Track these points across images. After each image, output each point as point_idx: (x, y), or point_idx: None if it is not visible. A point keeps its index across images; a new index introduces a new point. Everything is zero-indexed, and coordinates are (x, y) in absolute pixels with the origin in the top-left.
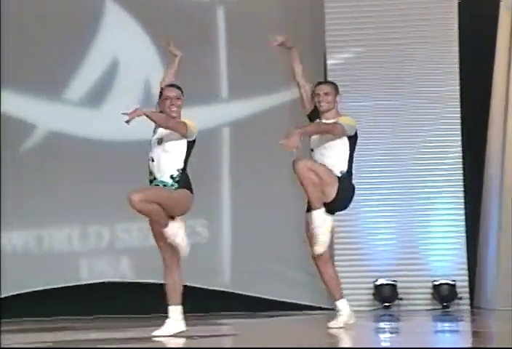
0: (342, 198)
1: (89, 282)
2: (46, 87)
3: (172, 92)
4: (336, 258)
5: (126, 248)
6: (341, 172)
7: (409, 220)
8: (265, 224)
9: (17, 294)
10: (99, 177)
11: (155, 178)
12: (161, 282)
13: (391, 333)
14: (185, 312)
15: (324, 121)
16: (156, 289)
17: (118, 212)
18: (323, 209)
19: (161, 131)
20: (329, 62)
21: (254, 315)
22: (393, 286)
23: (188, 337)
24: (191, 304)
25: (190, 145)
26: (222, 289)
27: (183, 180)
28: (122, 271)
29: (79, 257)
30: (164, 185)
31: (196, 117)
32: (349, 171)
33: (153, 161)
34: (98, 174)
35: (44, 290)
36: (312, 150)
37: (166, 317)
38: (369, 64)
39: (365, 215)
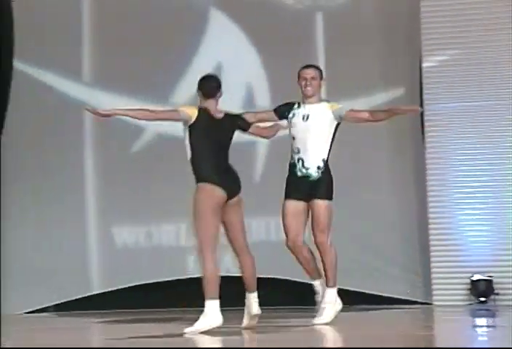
0: (329, 188)
1: (196, 276)
2: (154, 92)
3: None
4: (432, 254)
5: (228, 243)
6: (323, 160)
7: (505, 215)
8: (361, 218)
9: (128, 287)
10: None
11: None
12: (264, 276)
13: (488, 327)
14: (288, 304)
15: (307, 105)
16: (259, 283)
17: None
18: (336, 288)
19: None
20: (424, 65)
21: (350, 309)
22: (489, 282)
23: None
24: (293, 297)
25: (192, 130)
26: None
27: (196, 171)
28: (226, 265)
29: (186, 251)
30: None
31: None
32: (327, 159)
33: None
34: None
35: (153, 283)
36: (294, 138)
37: (270, 309)
38: (465, 66)
39: (460, 212)
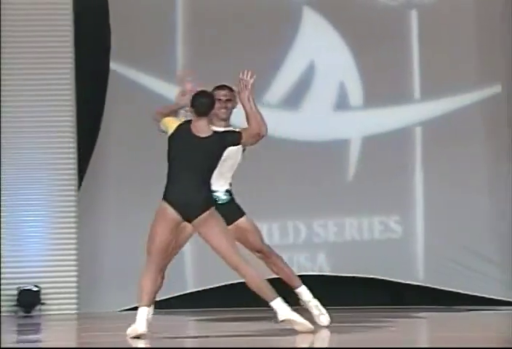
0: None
1: None
2: None
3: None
4: None
5: (322, 242)
6: (230, 184)
7: None
8: (458, 219)
9: (222, 286)
10: (296, 175)
11: None
12: (363, 276)
13: None
14: (383, 304)
15: (214, 128)
16: (353, 282)
17: (315, 208)
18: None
19: None
20: None
21: (448, 309)
22: None
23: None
24: (389, 297)
25: (170, 143)
26: (416, 283)
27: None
28: (319, 265)
29: (279, 250)
30: None
31: (390, 117)
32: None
33: None
34: (295, 173)
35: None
36: None
37: (357, 309)
38: None
39: None
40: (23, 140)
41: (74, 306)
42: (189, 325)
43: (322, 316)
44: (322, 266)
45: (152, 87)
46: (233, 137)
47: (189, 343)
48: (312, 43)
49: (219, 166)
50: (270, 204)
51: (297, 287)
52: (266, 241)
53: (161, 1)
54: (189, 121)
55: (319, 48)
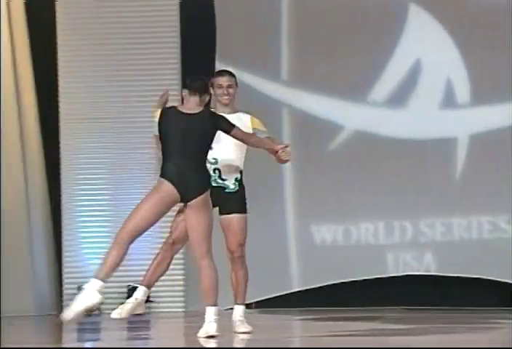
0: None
1: (395, 275)
2: (351, 91)
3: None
4: None
5: (429, 242)
6: (241, 172)
7: None
8: None
9: (326, 285)
10: (402, 174)
11: None
12: (469, 276)
13: None
14: (491, 305)
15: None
16: (458, 283)
17: (421, 208)
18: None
19: None
20: None
21: None
22: None
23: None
24: (497, 298)
25: (160, 126)
26: None
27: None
28: (426, 264)
29: (385, 250)
30: None
31: (498, 114)
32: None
33: None
34: (401, 172)
35: (351, 281)
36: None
37: (464, 310)
38: None
39: None
40: (132, 140)
41: (182, 304)
42: (295, 324)
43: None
44: (429, 265)
45: (257, 87)
46: (226, 125)
47: (296, 343)
48: (418, 40)
49: (227, 153)
50: (375, 204)
51: (238, 303)
52: (371, 240)
53: (266, 2)
54: (173, 106)
55: (426, 45)
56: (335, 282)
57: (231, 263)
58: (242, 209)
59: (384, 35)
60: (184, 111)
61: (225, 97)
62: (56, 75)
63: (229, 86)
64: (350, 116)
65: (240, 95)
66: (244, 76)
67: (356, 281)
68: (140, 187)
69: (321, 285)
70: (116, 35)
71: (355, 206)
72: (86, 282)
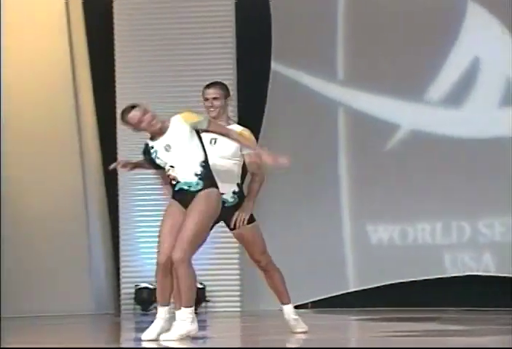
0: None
1: (456, 274)
2: (408, 90)
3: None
4: None
5: (488, 242)
6: (238, 185)
7: None
8: None
9: (383, 285)
10: (458, 173)
11: None
12: None
13: None
14: None
15: None
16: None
17: (479, 207)
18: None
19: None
20: None
21: None
22: None
23: None
24: None
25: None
26: None
27: (210, 175)
28: (484, 264)
29: (442, 250)
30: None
31: None
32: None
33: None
34: (457, 171)
35: (408, 281)
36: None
37: None
38: None
39: None
40: None
41: (238, 304)
42: (351, 325)
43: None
44: (488, 266)
45: (313, 87)
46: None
47: (353, 343)
48: (476, 38)
49: (220, 166)
50: (432, 203)
51: (285, 303)
52: (428, 240)
53: (323, 2)
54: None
55: (484, 44)
56: (392, 282)
57: (262, 271)
58: (248, 219)
59: (441, 33)
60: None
61: (211, 109)
62: (113, 75)
63: (215, 99)
64: (406, 116)
65: (296, 95)
66: (300, 76)
67: (413, 281)
68: None
69: (378, 285)
70: (172, 36)
71: (411, 206)
72: (143, 281)
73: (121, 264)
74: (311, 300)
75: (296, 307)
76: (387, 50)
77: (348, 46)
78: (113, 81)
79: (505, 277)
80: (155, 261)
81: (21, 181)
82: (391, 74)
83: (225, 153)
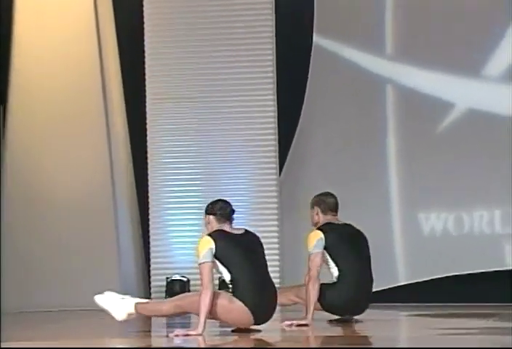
0: None
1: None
2: (464, 64)
3: None
4: None
5: None
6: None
7: None
8: None
9: (436, 278)
10: None
11: None
12: None
13: None
14: None
15: None
16: None
17: None
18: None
19: None
20: None
21: None
22: None
23: None
24: None
25: (219, 253)
26: None
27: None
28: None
29: (502, 240)
30: None
31: None
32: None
33: None
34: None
35: (463, 274)
36: None
37: None
38: None
39: None
40: (220, 127)
41: None
42: (403, 321)
43: None
44: None
45: (359, 62)
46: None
47: (404, 342)
48: None
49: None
50: (491, 189)
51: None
52: (485, 229)
53: None
54: (215, 231)
55: None
56: (447, 275)
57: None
58: None
59: (499, 8)
60: (232, 232)
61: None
62: (143, 73)
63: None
64: (461, 93)
65: (340, 71)
66: (344, 51)
67: (469, 274)
68: (228, 172)
69: (430, 278)
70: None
71: (467, 192)
72: (174, 273)
73: (151, 255)
74: None
75: None
76: (440, 21)
77: (396, 17)
78: (143, 77)
79: None
80: (185, 252)
81: (49, 170)
82: (445, 47)
83: None
